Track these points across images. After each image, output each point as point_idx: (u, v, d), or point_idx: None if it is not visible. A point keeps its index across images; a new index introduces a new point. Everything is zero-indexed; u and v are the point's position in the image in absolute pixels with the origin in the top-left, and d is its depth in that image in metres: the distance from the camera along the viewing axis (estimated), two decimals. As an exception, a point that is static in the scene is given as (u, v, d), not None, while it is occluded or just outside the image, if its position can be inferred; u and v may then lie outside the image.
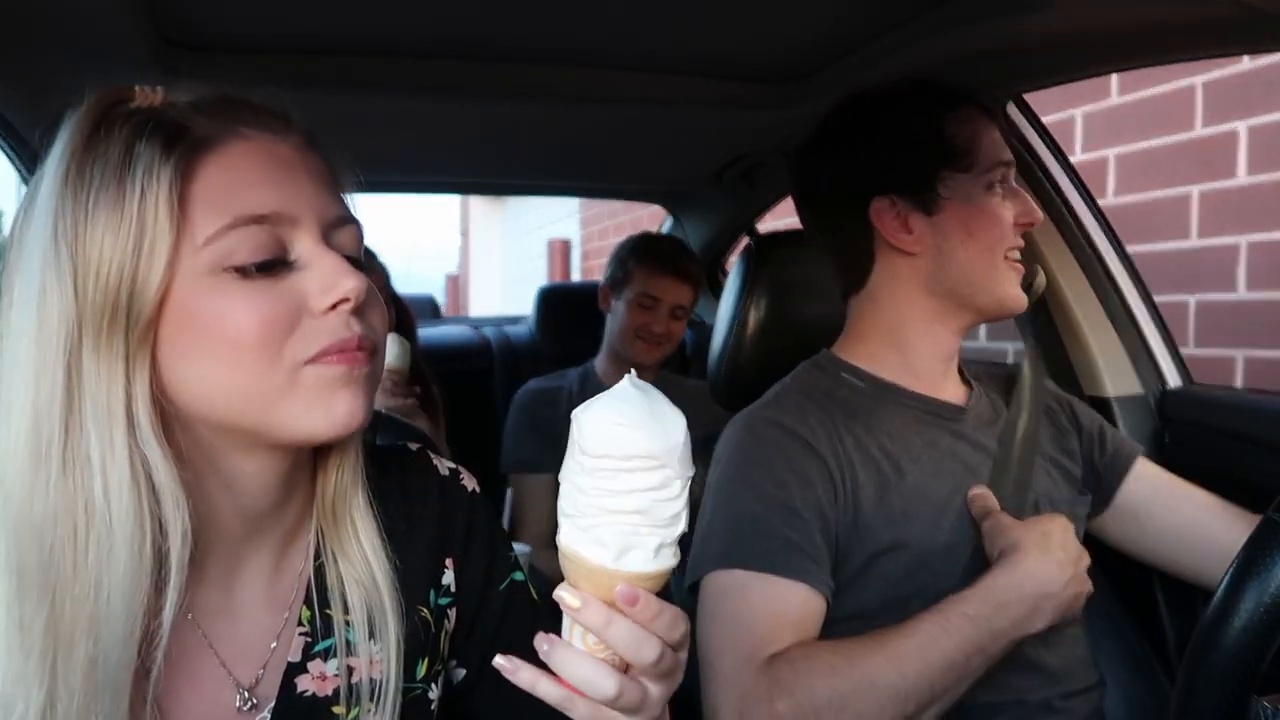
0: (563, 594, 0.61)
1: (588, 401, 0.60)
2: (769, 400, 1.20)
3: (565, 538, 0.61)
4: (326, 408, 0.66)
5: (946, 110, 1.15)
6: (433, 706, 0.79)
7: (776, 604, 1.02)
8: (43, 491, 0.61)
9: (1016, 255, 1.16)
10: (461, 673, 0.84)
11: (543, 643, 0.61)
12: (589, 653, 0.61)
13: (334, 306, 0.66)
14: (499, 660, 0.63)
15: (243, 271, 0.64)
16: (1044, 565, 0.99)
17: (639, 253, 2.23)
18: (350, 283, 0.66)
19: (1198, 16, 1.04)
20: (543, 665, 0.61)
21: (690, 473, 0.60)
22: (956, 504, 1.13)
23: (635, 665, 0.61)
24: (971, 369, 1.31)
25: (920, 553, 1.09)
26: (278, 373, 0.65)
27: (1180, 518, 1.25)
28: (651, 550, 0.59)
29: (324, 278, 0.66)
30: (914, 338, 1.19)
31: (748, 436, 1.15)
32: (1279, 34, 1.04)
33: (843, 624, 1.06)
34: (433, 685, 0.80)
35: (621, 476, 0.58)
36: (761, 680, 0.97)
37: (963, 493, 1.13)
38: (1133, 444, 1.32)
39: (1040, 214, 1.17)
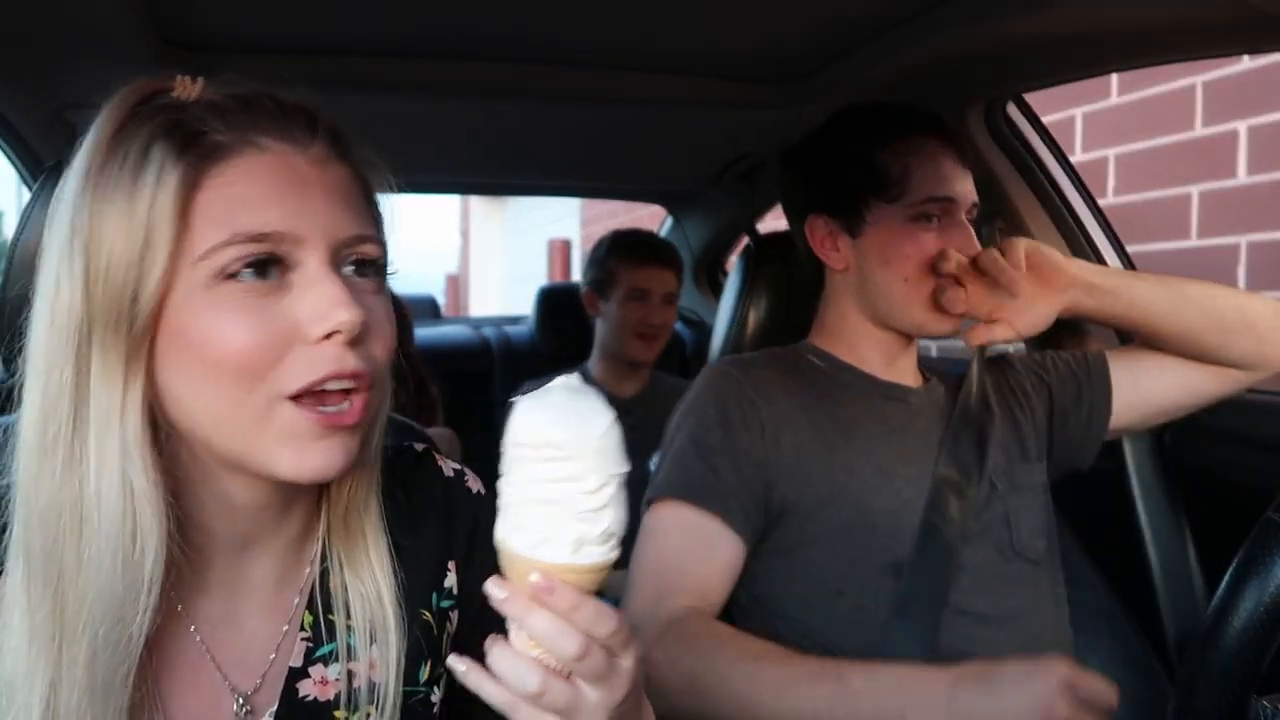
0: (489, 586, 0.61)
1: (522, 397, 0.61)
2: (736, 357, 1.31)
3: (496, 529, 0.61)
4: (299, 454, 0.64)
5: (885, 140, 1.20)
6: (435, 709, 0.79)
7: (690, 540, 1.12)
8: (47, 481, 0.61)
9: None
10: (462, 673, 0.84)
11: (491, 643, 0.61)
12: (525, 650, 0.61)
13: (327, 336, 0.63)
14: (452, 661, 0.62)
15: (236, 277, 0.62)
16: (929, 697, 0.97)
17: (619, 249, 2.25)
18: (343, 315, 0.62)
19: (1198, 16, 1.04)
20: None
21: (618, 470, 0.60)
22: (902, 474, 1.18)
23: (560, 660, 0.60)
24: (938, 363, 1.37)
25: (861, 509, 1.15)
26: (255, 401, 0.62)
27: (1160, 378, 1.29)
28: (569, 543, 0.59)
29: (317, 305, 0.63)
30: (859, 338, 1.27)
31: (700, 382, 1.24)
32: (1279, 34, 1.04)
33: (800, 563, 1.14)
34: (435, 688, 0.79)
35: (534, 465, 0.59)
36: (664, 637, 1.04)
37: (909, 466, 1.19)
38: (1097, 363, 1.32)
39: (974, 250, 1.17)
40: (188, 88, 0.65)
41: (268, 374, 0.62)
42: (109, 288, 0.61)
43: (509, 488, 0.60)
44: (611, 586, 2.30)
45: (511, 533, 0.60)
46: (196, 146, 0.62)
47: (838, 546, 1.14)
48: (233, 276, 0.62)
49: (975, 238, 1.19)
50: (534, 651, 0.61)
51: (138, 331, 0.61)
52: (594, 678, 0.61)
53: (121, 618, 0.62)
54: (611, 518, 0.60)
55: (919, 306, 1.19)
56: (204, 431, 0.64)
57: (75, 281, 0.61)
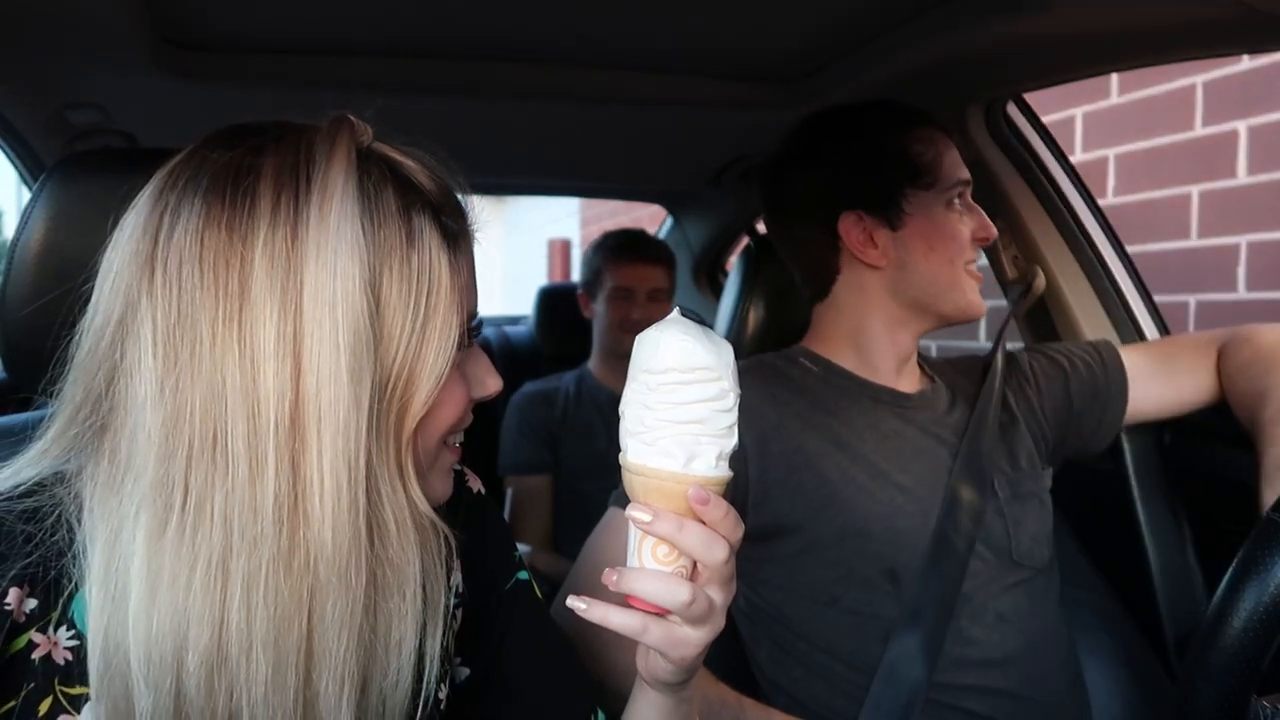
0: (633, 512, 0.64)
1: (647, 329, 0.65)
2: None
3: (634, 454, 0.65)
4: (446, 483, 0.72)
5: (910, 129, 1.21)
6: (442, 707, 0.79)
7: None
8: (355, 560, 0.61)
9: (975, 267, 1.23)
10: (465, 672, 0.84)
11: (611, 574, 0.64)
12: (659, 568, 0.64)
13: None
14: (572, 601, 0.65)
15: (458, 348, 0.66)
16: None
17: (602, 250, 2.29)
18: (496, 384, 0.72)
19: (1198, 16, 1.04)
20: (580, 623, 0.65)
21: (739, 390, 0.65)
22: (897, 480, 1.17)
23: (706, 567, 0.64)
24: (939, 363, 1.36)
25: (854, 516, 1.14)
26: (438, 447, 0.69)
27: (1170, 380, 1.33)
28: (713, 458, 0.64)
29: (478, 373, 0.72)
30: (874, 341, 1.25)
31: None
32: (1279, 34, 1.04)
33: (794, 571, 1.14)
34: (442, 686, 0.80)
35: (683, 389, 0.63)
36: None
37: (907, 471, 1.18)
38: (1112, 359, 1.34)
39: (994, 229, 1.23)
40: (363, 132, 0.68)
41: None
42: (391, 363, 0.62)
43: (649, 413, 0.64)
44: (556, 573, 2.27)
45: (660, 456, 0.64)
46: (456, 238, 0.67)
47: (830, 554, 1.13)
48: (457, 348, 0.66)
49: None
50: (668, 568, 0.64)
51: (404, 402, 0.63)
52: (728, 581, 0.66)
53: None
54: (736, 434, 0.66)
55: (964, 289, 1.21)
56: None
57: (372, 350, 0.60)
